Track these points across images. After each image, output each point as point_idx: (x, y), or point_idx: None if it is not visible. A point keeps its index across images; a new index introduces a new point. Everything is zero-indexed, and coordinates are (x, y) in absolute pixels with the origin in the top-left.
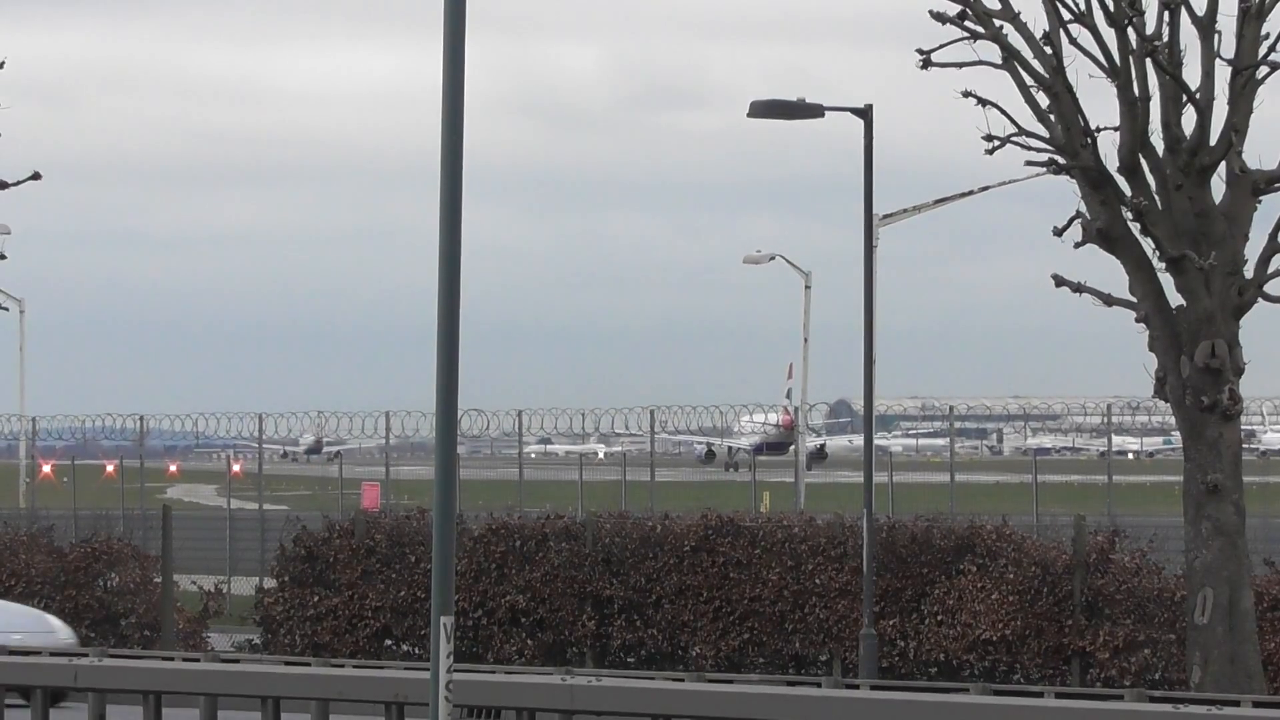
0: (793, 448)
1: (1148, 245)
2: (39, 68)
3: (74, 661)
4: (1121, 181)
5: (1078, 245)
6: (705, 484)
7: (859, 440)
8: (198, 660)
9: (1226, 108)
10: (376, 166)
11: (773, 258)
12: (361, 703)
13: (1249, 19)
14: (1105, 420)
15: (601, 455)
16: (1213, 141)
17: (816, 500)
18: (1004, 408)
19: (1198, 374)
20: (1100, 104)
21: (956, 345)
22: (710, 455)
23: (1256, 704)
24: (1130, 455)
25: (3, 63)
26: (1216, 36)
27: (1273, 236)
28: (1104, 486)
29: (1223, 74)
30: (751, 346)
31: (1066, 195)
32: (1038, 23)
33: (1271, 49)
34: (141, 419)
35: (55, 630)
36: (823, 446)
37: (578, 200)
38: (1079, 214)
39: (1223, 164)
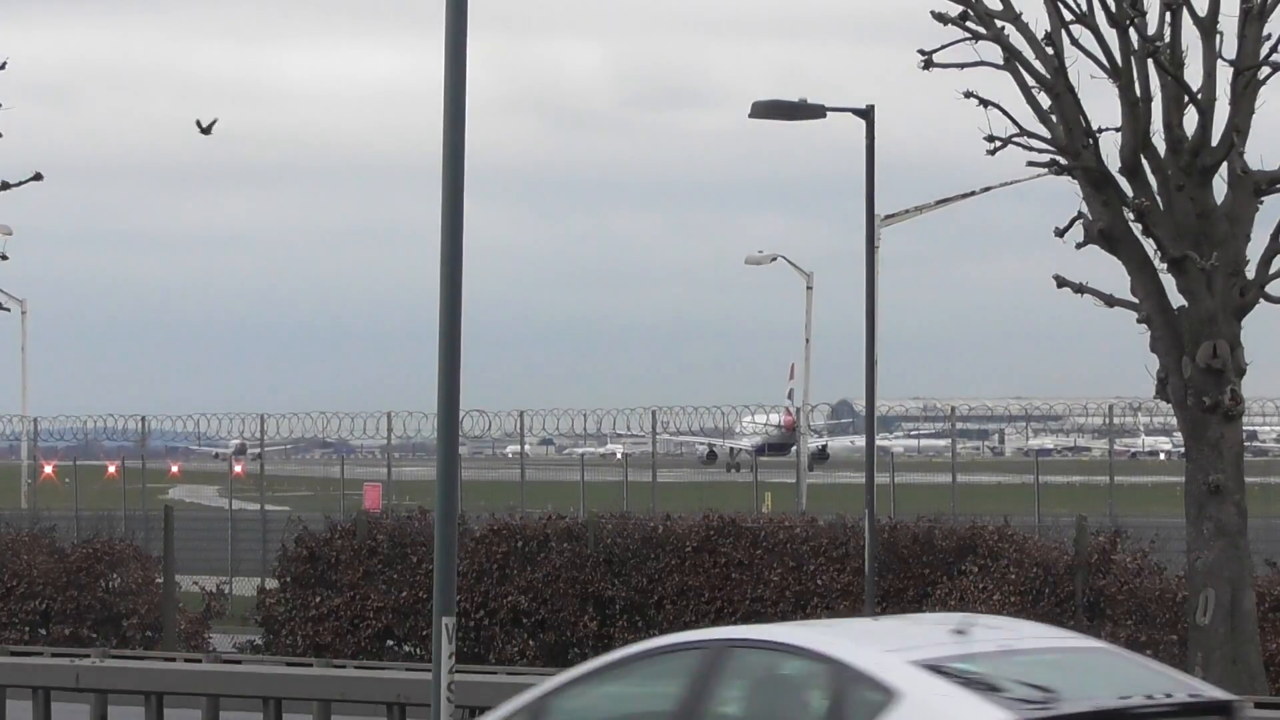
0: (794, 448)
1: (1149, 246)
2: (40, 67)
3: (76, 662)
4: (1123, 182)
5: (1079, 246)
6: (707, 485)
7: (861, 441)
8: (199, 661)
9: (1228, 108)
10: (378, 165)
11: (775, 258)
12: (363, 703)
13: (1251, 19)
14: (1107, 421)
15: (619, 456)
16: (1214, 142)
17: (818, 501)
18: (1006, 408)
19: (1199, 375)
20: (1102, 105)
21: (958, 346)
22: (712, 456)
23: (1258, 705)
24: (1161, 455)
25: (4, 64)
26: (1218, 37)
27: (1274, 237)
28: (1105, 487)
29: (1224, 74)
30: (753, 347)
31: (1068, 196)
32: (1039, 23)
33: (1273, 50)
34: (143, 419)
35: None
36: (824, 447)
37: (579, 199)
38: (1081, 214)
39: (1224, 165)
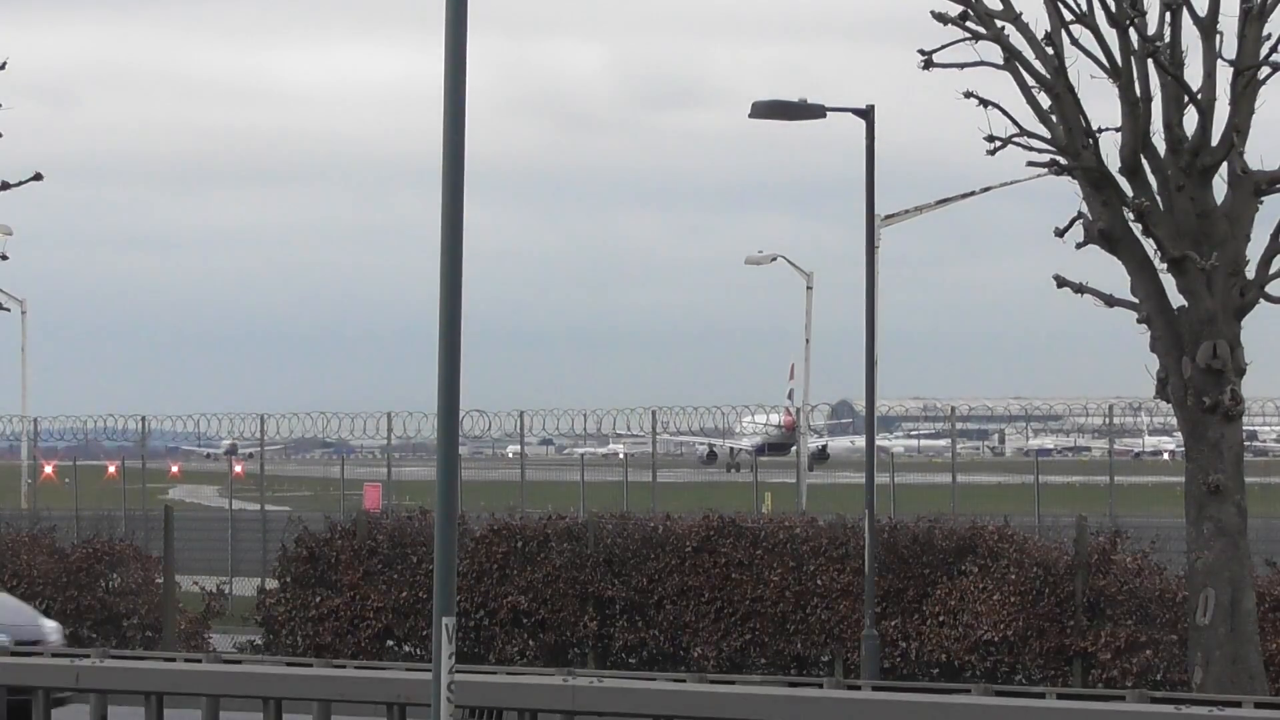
0: (794, 448)
1: (1149, 246)
2: (39, 67)
3: (76, 662)
4: (1123, 182)
5: (1079, 246)
6: (707, 485)
7: (861, 441)
8: (199, 661)
9: (1228, 108)
10: (379, 166)
11: (775, 258)
12: (363, 703)
13: (1250, 20)
14: (1107, 421)
15: (621, 456)
16: (1214, 142)
17: (818, 501)
18: (1006, 408)
19: (1199, 375)
20: (1102, 105)
21: (958, 346)
22: (712, 456)
23: (1258, 705)
24: (1165, 455)
25: (4, 64)
26: (1218, 37)
27: (1274, 237)
28: (1106, 487)
29: (1224, 75)
30: (753, 347)
31: (1068, 196)
32: (1039, 23)
33: (1273, 50)
34: (143, 419)
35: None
36: (824, 447)
37: (580, 200)
38: (1081, 215)
39: (1224, 165)
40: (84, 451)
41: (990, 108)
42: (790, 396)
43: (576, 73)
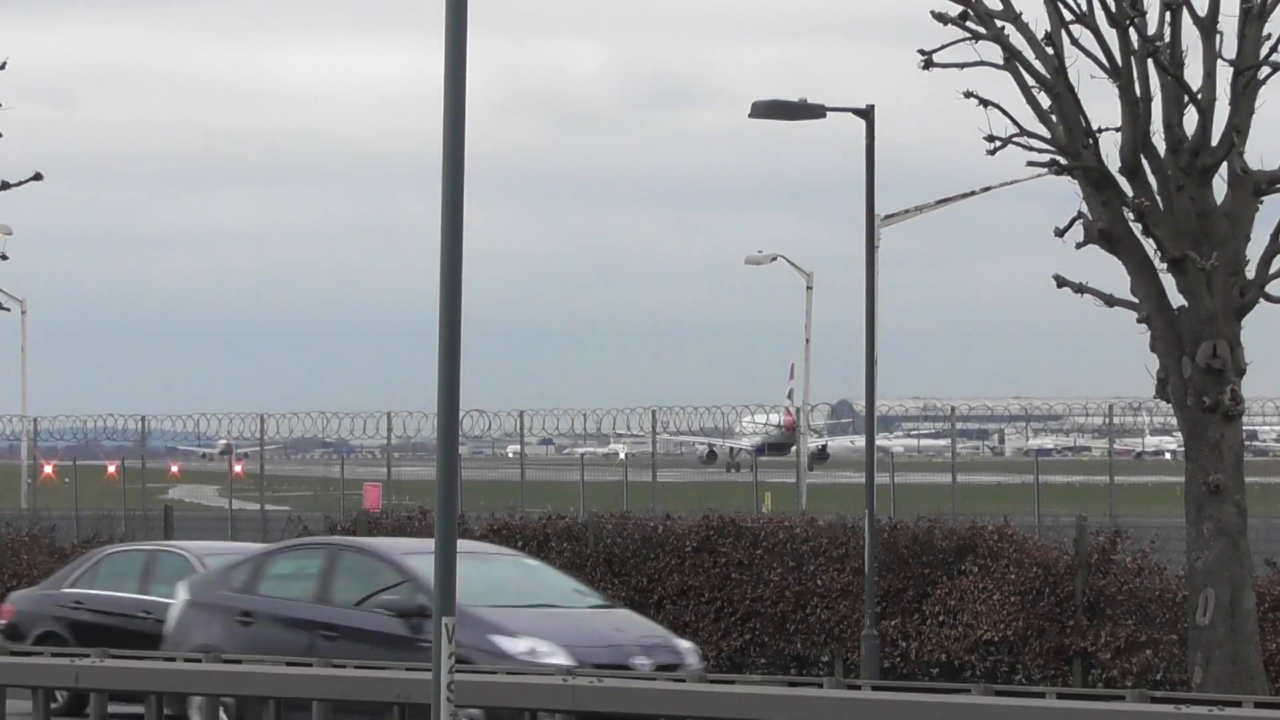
0: (794, 448)
1: (1149, 246)
2: (39, 67)
3: (76, 662)
4: (1123, 182)
5: (1079, 246)
6: (707, 484)
7: (861, 441)
8: (200, 660)
9: (1228, 108)
10: (379, 166)
11: (775, 258)
12: (363, 703)
13: (1251, 20)
14: (1107, 421)
15: (623, 455)
16: (1214, 142)
17: (818, 501)
18: (1006, 408)
19: (1199, 374)
20: (1102, 104)
21: (958, 346)
22: (712, 456)
23: (1258, 704)
24: (1167, 455)
25: (4, 64)
26: (1218, 37)
27: (1274, 237)
28: (1105, 487)
29: (1224, 74)
30: (753, 347)
31: (1068, 196)
32: (1039, 23)
33: (1273, 50)
34: (143, 419)
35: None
36: (824, 447)
37: (580, 200)
38: (1081, 214)
39: (1224, 165)
40: (84, 451)
41: (990, 108)
42: (790, 396)
43: (576, 72)
